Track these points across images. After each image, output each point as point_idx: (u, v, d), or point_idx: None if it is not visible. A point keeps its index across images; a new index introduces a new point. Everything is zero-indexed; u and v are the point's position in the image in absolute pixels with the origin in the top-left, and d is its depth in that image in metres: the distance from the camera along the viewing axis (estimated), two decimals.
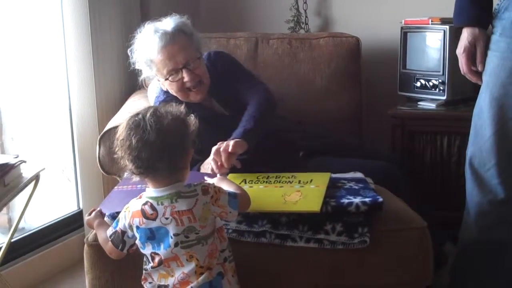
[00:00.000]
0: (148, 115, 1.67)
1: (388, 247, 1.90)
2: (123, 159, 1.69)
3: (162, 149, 1.65)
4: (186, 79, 2.28)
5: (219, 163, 2.03)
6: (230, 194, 1.75)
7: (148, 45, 2.30)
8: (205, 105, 2.36)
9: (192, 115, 1.76)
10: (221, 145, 2.05)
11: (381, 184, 2.12)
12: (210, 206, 1.70)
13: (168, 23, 2.32)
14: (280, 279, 1.92)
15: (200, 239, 1.68)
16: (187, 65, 2.29)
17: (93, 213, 1.91)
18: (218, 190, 1.73)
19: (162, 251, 1.68)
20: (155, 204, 1.68)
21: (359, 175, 2.14)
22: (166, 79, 2.31)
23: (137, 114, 1.70)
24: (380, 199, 1.90)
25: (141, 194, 1.74)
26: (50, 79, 3.05)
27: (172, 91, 2.33)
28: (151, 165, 1.66)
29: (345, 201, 1.89)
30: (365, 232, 1.86)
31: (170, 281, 1.71)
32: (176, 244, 1.67)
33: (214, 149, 2.06)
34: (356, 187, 2.00)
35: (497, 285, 2.20)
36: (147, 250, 1.71)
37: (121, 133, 1.69)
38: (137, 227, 1.70)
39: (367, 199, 1.89)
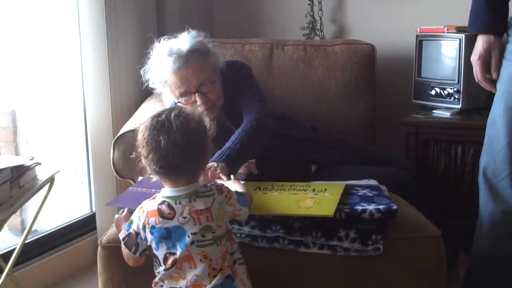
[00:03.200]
0: (172, 116, 1.69)
1: (402, 255, 1.89)
2: (147, 159, 1.69)
3: (188, 149, 1.68)
4: (198, 103, 2.26)
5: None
6: (237, 192, 1.80)
7: (161, 66, 2.29)
8: (216, 121, 2.34)
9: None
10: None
11: (395, 191, 2.12)
12: (225, 205, 1.73)
13: (184, 42, 2.29)
14: (293, 285, 1.92)
15: (216, 239, 1.69)
16: (200, 88, 2.28)
17: (123, 214, 1.87)
18: (228, 190, 1.78)
19: (178, 250, 1.69)
20: (172, 203, 1.69)
21: (373, 182, 2.14)
22: (179, 101, 2.30)
23: (159, 114, 1.72)
24: (394, 207, 1.89)
25: (154, 195, 1.74)
26: (65, 82, 3.06)
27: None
28: (176, 164, 1.68)
29: (359, 208, 1.88)
30: (378, 239, 1.85)
31: (182, 283, 1.70)
32: (192, 243, 1.68)
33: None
34: (370, 194, 1.99)
35: None
36: (161, 251, 1.71)
37: (144, 133, 1.70)
38: (153, 227, 1.70)
39: (381, 207, 1.88)
